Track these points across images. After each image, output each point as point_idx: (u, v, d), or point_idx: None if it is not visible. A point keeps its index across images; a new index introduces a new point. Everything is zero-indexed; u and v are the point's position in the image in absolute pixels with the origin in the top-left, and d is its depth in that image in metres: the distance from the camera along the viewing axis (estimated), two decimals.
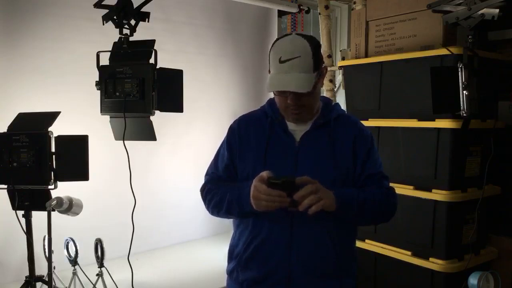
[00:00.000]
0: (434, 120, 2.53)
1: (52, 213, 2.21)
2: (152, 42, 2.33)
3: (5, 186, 2.33)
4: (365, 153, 1.58)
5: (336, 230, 1.54)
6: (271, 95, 1.61)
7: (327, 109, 1.62)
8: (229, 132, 1.68)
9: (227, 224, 1.70)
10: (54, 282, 2.37)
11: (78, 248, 2.78)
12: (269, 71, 1.53)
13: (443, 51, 2.40)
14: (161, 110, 2.31)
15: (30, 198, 2.33)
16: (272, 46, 1.53)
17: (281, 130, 1.59)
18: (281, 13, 4.92)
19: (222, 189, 1.59)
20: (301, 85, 1.45)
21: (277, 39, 1.54)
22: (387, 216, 1.63)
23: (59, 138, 2.29)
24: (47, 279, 2.21)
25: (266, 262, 1.55)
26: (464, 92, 2.11)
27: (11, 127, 2.35)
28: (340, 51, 3.48)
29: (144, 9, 2.36)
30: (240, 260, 1.60)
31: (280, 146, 1.57)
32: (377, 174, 1.60)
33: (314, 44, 1.50)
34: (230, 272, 1.66)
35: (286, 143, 1.57)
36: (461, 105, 2.12)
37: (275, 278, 1.54)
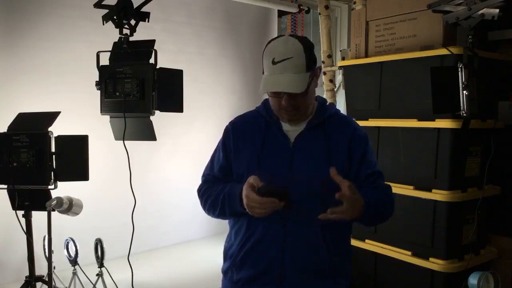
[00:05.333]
0: (434, 120, 2.53)
1: (52, 213, 2.21)
2: (152, 42, 2.33)
3: (5, 186, 2.33)
4: (361, 153, 1.57)
5: (329, 230, 1.54)
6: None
7: (322, 109, 1.62)
8: (224, 134, 1.68)
9: (227, 224, 1.70)
10: (54, 282, 2.37)
11: (78, 248, 2.78)
12: (263, 73, 1.53)
13: (443, 51, 2.39)
14: (161, 110, 2.31)
15: (30, 198, 2.33)
16: (265, 47, 1.52)
17: (276, 131, 1.59)
18: (281, 13, 4.93)
19: (216, 190, 1.59)
20: (294, 86, 1.44)
21: (270, 41, 1.54)
22: (387, 215, 1.63)
23: (59, 138, 2.29)
24: (47, 279, 2.21)
25: (259, 261, 1.55)
26: (464, 92, 2.11)
27: (11, 127, 2.35)
28: (340, 51, 3.47)
29: (144, 9, 2.36)
30: (235, 260, 1.60)
31: (275, 147, 1.57)
32: (374, 173, 1.59)
33: (307, 44, 1.49)
34: (225, 272, 1.67)
35: (281, 144, 1.57)
36: (461, 105, 2.12)
37: (268, 277, 1.55)
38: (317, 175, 1.48)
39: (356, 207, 1.41)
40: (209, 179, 1.68)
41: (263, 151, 1.56)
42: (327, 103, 1.66)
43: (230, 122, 1.69)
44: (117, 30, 2.33)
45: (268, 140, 1.58)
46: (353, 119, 1.71)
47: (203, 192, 1.66)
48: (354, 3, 3.41)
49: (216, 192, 1.58)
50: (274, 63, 1.45)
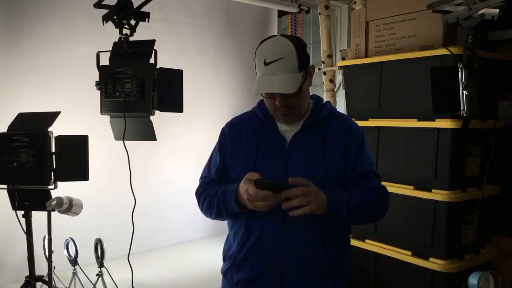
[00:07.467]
0: (434, 120, 2.53)
1: (52, 213, 2.21)
2: (152, 42, 2.33)
3: (5, 186, 2.33)
4: (356, 152, 1.57)
5: (327, 230, 1.54)
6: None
7: (318, 108, 1.61)
8: (221, 136, 1.68)
9: (226, 225, 1.70)
10: (54, 282, 2.37)
11: (78, 248, 2.78)
12: (256, 74, 1.52)
13: (443, 51, 2.39)
14: (161, 110, 2.31)
15: (30, 198, 2.33)
16: (257, 48, 1.52)
17: (271, 131, 1.58)
18: (281, 13, 4.92)
19: (212, 190, 1.60)
20: (287, 87, 1.44)
21: (262, 42, 1.53)
22: (378, 216, 1.63)
23: (59, 138, 2.29)
24: (47, 279, 2.21)
25: (258, 262, 1.55)
26: (464, 92, 2.10)
27: (11, 127, 2.34)
28: (340, 51, 3.48)
29: (144, 9, 2.35)
30: (235, 261, 1.60)
31: (270, 148, 1.57)
32: (369, 173, 1.59)
33: (299, 44, 1.49)
34: (224, 273, 1.67)
35: (277, 144, 1.57)
36: (461, 105, 2.12)
37: (267, 278, 1.55)
38: (312, 175, 1.47)
39: (319, 200, 1.41)
40: (207, 181, 1.69)
41: (259, 152, 1.56)
42: (323, 101, 1.66)
43: (226, 124, 1.69)
44: (117, 30, 2.33)
45: (264, 141, 1.58)
46: (352, 118, 1.71)
47: (200, 194, 1.66)
48: (354, 3, 3.41)
49: (213, 192, 1.58)
50: (266, 64, 1.45)
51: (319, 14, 4.10)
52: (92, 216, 3.16)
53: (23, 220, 2.34)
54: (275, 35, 1.54)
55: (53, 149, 2.29)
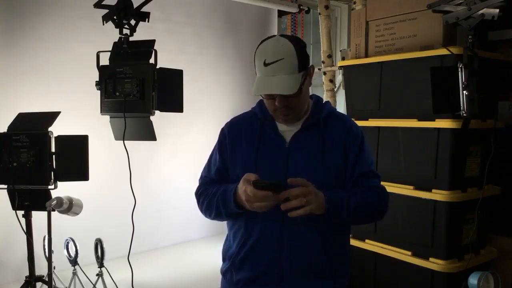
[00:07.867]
0: (434, 120, 2.53)
1: (52, 213, 2.21)
2: (152, 42, 2.33)
3: (5, 186, 2.33)
4: (355, 152, 1.57)
5: (327, 230, 1.53)
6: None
7: (317, 108, 1.61)
8: (220, 136, 1.68)
9: (226, 225, 1.70)
10: (54, 282, 2.37)
11: (78, 248, 2.78)
12: (256, 74, 1.52)
13: (443, 51, 2.39)
14: (161, 110, 2.31)
15: (30, 198, 2.33)
16: (256, 49, 1.51)
17: (271, 131, 1.58)
18: (281, 13, 4.93)
19: (212, 191, 1.60)
20: (287, 88, 1.43)
21: (261, 42, 1.52)
22: (378, 216, 1.63)
23: (59, 138, 2.29)
24: (47, 279, 2.21)
25: (258, 262, 1.55)
26: (464, 92, 2.10)
27: (11, 127, 2.35)
28: (340, 51, 3.48)
29: (144, 9, 2.36)
30: (234, 261, 1.60)
31: (270, 148, 1.56)
32: (368, 173, 1.58)
33: (299, 44, 1.48)
34: (224, 273, 1.67)
35: (277, 145, 1.56)
36: (461, 105, 2.12)
37: (267, 278, 1.55)
38: (312, 175, 1.47)
39: (319, 200, 1.40)
40: (207, 181, 1.68)
41: (259, 152, 1.56)
42: (323, 101, 1.66)
43: (226, 124, 1.69)
44: (117, 30, 2.33)
45: (264, 141, 1.57)
46: (352, 119, 1.71)
47: (200, 194, 1.66)
48: (354, 3, 3.41)
49: (212, 193, 1.58)
50: (265, 64, 1.45)
51: (319, 14, 4.10)
52: (92, 216, 3.17)
53: (23, 220, 2.34)
54: (275, 35, 1.54)
55: (53, 149, 2.29)
